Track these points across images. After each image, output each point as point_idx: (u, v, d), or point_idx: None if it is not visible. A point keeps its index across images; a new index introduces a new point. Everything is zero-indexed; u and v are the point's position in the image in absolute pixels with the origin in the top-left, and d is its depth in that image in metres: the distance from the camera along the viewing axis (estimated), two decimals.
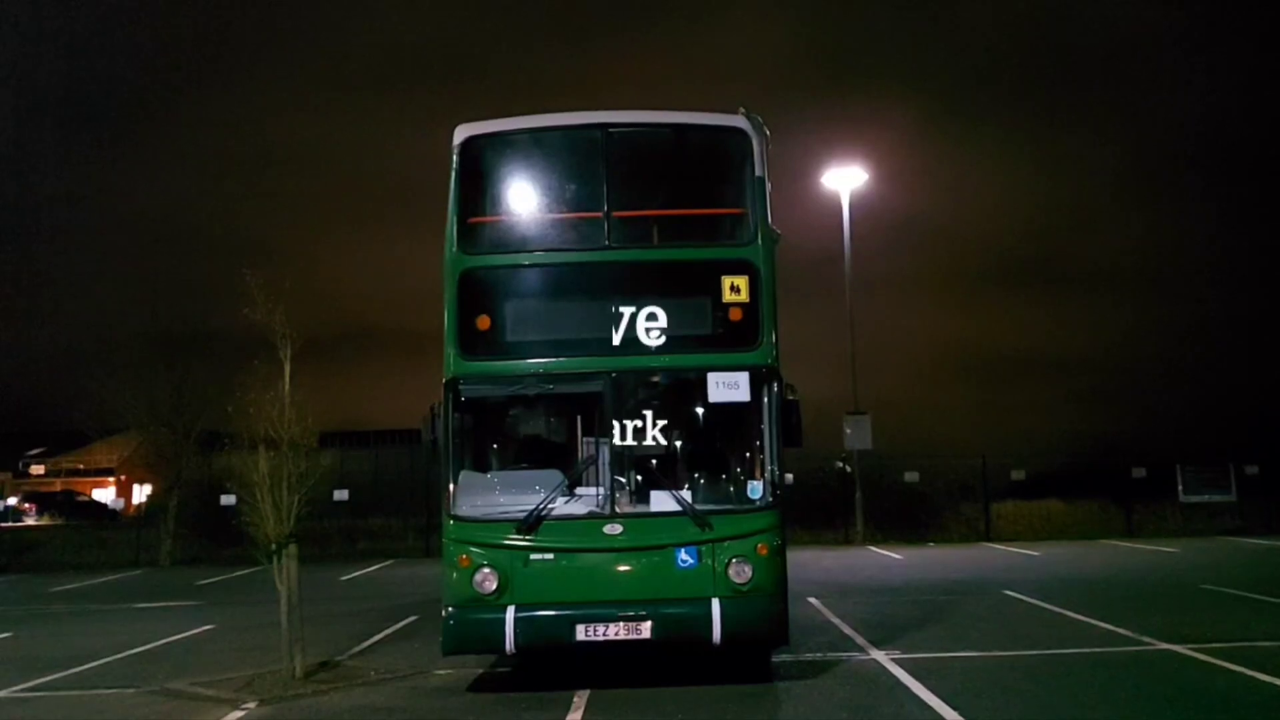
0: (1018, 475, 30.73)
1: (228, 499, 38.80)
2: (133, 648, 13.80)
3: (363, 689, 10.41)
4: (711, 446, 10.57)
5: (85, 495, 65.73)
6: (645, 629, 9.43)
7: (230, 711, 9.57)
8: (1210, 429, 43.84)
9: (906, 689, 9.53)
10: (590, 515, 9.69)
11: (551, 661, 10.73)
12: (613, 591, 9.56)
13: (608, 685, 9.91)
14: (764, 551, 9.59)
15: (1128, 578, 19.02)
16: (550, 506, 9.65)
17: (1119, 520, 29.59)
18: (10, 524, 63.65)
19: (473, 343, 9.93)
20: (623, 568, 9.60)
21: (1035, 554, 24.39)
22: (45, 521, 64.77)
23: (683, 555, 9.56)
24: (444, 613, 9.71)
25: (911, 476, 29.78)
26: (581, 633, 9.44)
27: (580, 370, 9.89)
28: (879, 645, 11.74)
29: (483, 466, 10.44)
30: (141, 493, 49.32)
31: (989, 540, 28.46)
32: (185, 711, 9.69)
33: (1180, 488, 30.41)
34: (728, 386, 9.76)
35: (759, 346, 9.89)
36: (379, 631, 14.20)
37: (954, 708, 8.65)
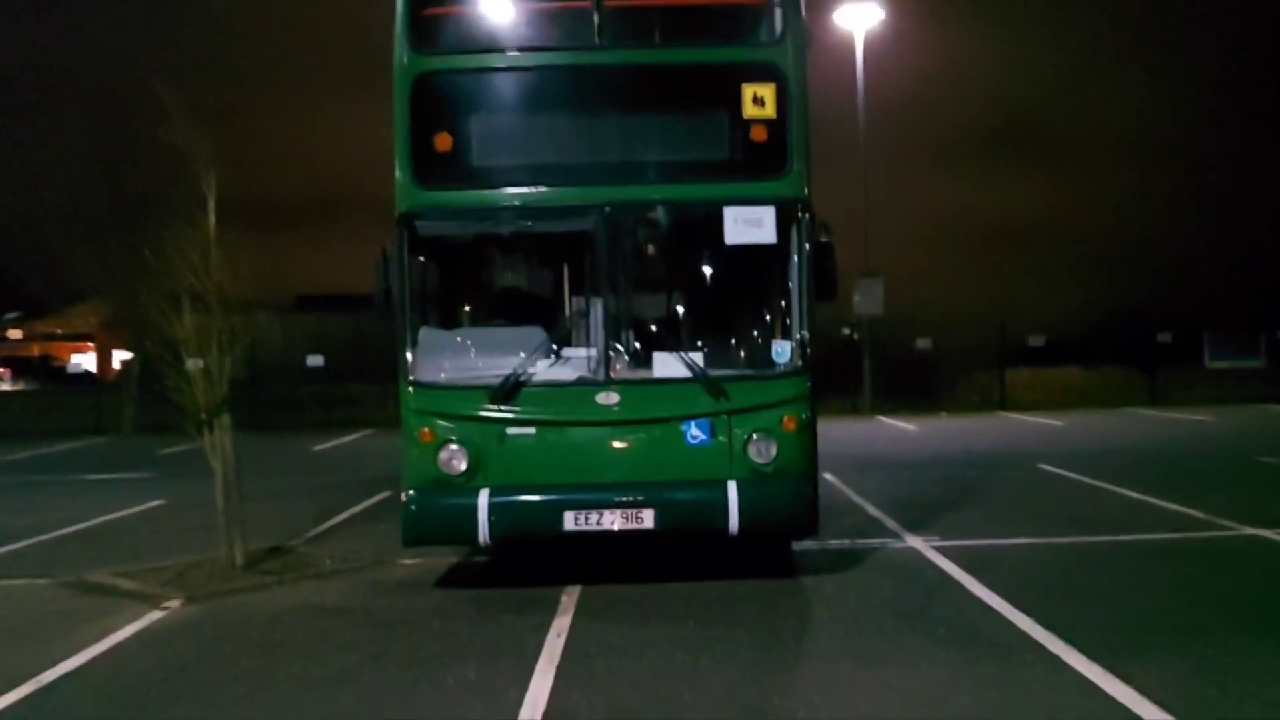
0: (1036, 341, 29.10)
1: (193, 363, 37.37)
2: (66, 527, 12.27)
3: (312, 582, 8.84)
4: (728, 299, 8.78)
5: (61, 361, 64.17)
6: (647, 518, 7.79)
7: (148, 611, 7.99)
8: (1237, 295, 42.11)
9: (958, 585, 7.95)
10: (580, 382, 7.95)
11: (537, 552, 9.13)
12: (608, 473, 7.89)
13: (603, 580, 8.33)
14: (791, 425, 7.88)
15: (1170, 449, 17.51)
16: (531, 371, 7.90)
17: (1142, 388, 28.06)
18: None
19: (430, 168, 8.02)
20: (620, 445, 7.91)
21: (1059, 424, 22.89)
22: (20, 387, 63.36)
23: (693, 430, 7.85)
24: (404, 497, 8.06)
25: (924, 343, 28.11)
26: (571, 521, 7.81)
27: (565, 204, 8.01)
28: (914, 530, 10.16)
29: (448, 323, 8.67)
30: (120, 359, 47.76)
31: (1004, 410, 26.96)
32: (97, 610, 8.11)
33: (1206, 353, 28.82)
34: (748, 224, 7.90)
35: (787, 174, 7.99)
36: (345, 510, 12.65)
37: (1024, 611, 7.06)
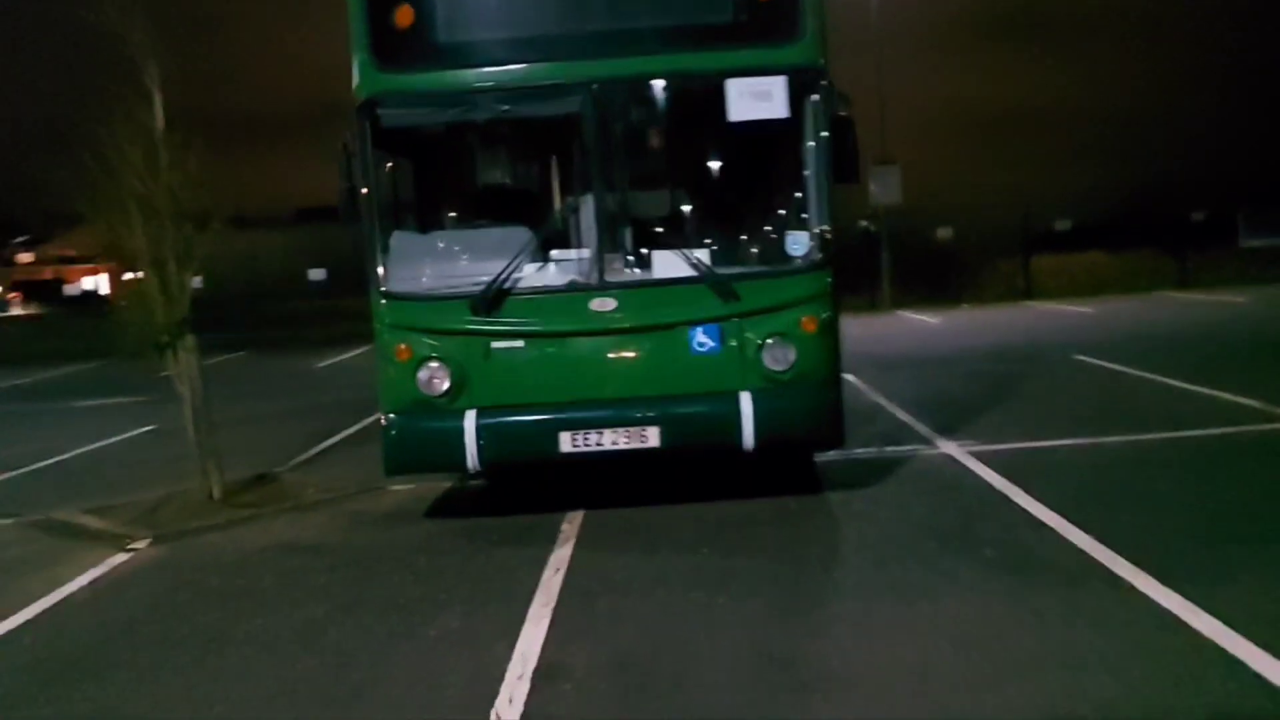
0: (1062, 225, 27.97)
1: (195, 282, 36.44)
2: (46, 458, 11.60)
3: (291, 515, 8.10)
4: (736, 186, 7.82)
5: (72, 282, 63.62)
6: (652, 435, 6.97)
7: (110, 555, 7.28)
8: (1274, 170, 40.51)
9: (1002, 498, 7.13)
10: (571, 287, 7.06)
11: (536, 475, 8.34)
12: (606, 388, 7.04)
13: (608, 505, 7.56)
14: (810, 327, 6.99)
15: (1210, 334, 16.52)
16: (516, 277, 7.00)
17: (1170, 271, 26.90)
18: None
19: (391, 45, 7.01)
20: (619, 356, 7.05)
21: (1088, 310, 21.89)
22: (32, 311, 62.83)
23: (699, 336, 6.97)
24: (382, 421, 7.25)
25: (944, 233, 27.03)
26: (568, 443, 6.99)
27: (546, 82, 7.00)
28: (946, 435, 9.32)
29: (421, 225, 7.77)
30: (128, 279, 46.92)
31: (1030, 299, 25.93)
32: (54, 555, 7.43)
33: (1240, 232, 27.61)
34: (757, 97, 6.89)
35: (801, 38, 6.96)
36: (341, 431, 11.89)
37: (1080, 526, 6.24)
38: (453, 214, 8.08)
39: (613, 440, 6.97)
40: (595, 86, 6.88)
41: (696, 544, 6.52)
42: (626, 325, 6.98)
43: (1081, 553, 5.83)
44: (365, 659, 5.08)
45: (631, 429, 6.96)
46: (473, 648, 5.09)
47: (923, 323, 22.28)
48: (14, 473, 10.93)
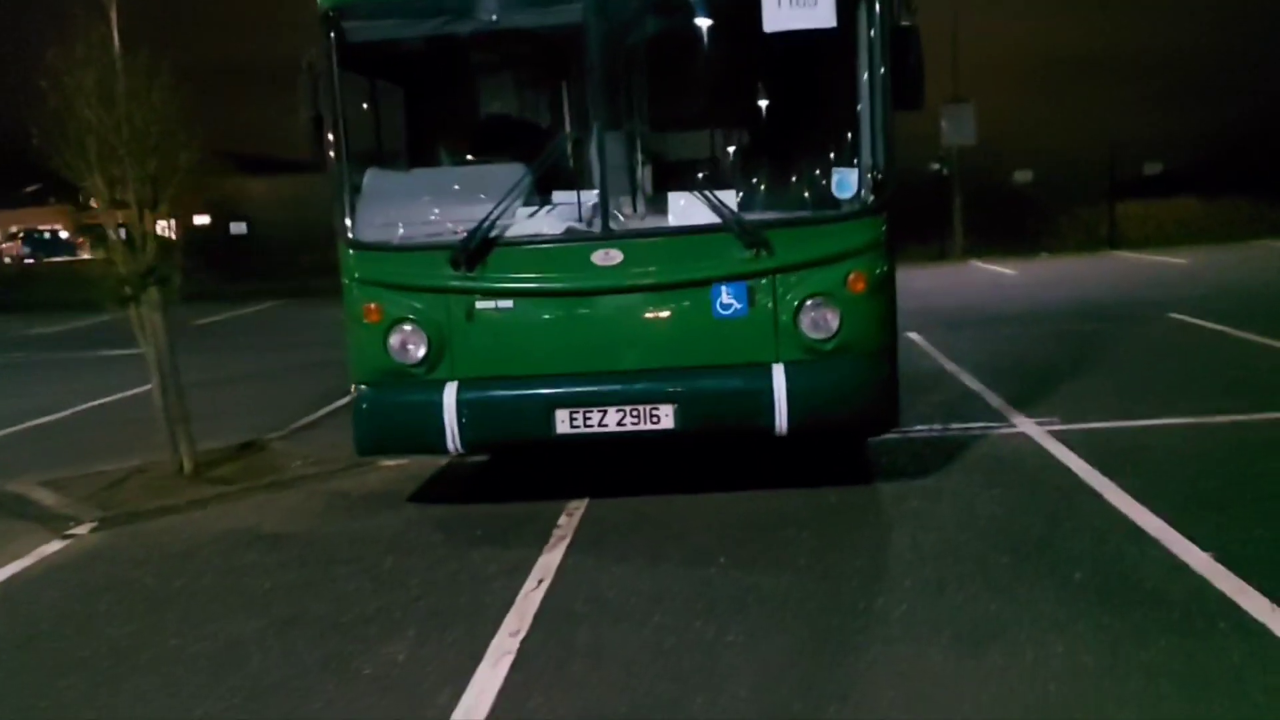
0: (1151, 169, 26.00)
1: (237, 227, 35.92)
2: (41, 415, 10.81)
3: (264, 495, 7.10)
4: (771, 113, 6.55)
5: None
6: (665, 415, 5.81)
7: (44, 542, 6.34)
8: None
9: (1093, 495, 5.87)
10: (570, 236, 5.89)
11: (540, 453, 7.23)
12: (611, 358, 5.88)
13: (615, 492, 6.45)
14: (859, 285, 5.74)
15: None
16: (504, 223, 5.84)
17: (1269, 218, 24.90)
18: (63, 258, 62.32)
19: None
20: (626, 320, 5.88)
21: (1181, 262, 20.15)
22: (100, 255, 63.14)
23: (724, 297, 5.77)
24: (352, 393, 6.18)
25: (1023, 176, 25.26)
26: (565, 423, 5.86)
27: None
28: (1022, 409, 8.02)
29: (397, 161, 6.60)
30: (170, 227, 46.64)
31: (1114, 248, 24.16)
32: None
33: None
34: (798, 4, 5.61)
35: None
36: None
37: (1194, 540, 4.98)
38: (435, 148, 6.89)
39: (618, 421, 5.83)
40: None
41: (712, 551, 5.36)
42: (635, 283, 5.79)
43: (1198, 579, 4.58)
44: (279, 701, 4.03)
45: (641, 407, 5.81)
46: (410, 695, 4.01)
47: (997, 274, 20.74)
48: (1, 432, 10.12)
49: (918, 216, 25.62)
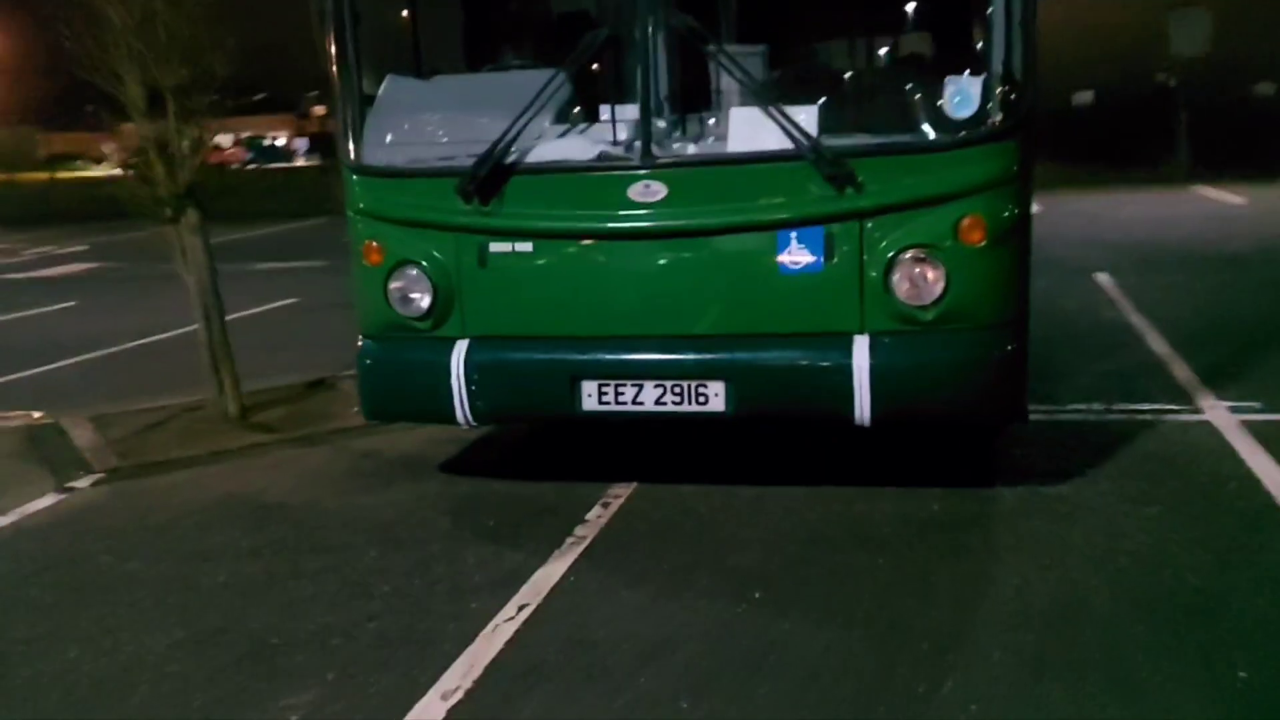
0: None
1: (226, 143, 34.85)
2: (154, 334, 10.47)
3: (292, 450, 6.32)
4: (865, 2, 5.09)
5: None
6: (715, 394, 4.60)
7: (40, 495, 5.73)
8: None
9: None
10: (603, 164, 4.68)
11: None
12: (651, 320, 4.68)
13: (672, 476, 5.32)
14: (975, 236, 4.33)
15: None
16: (523, 145, 4.68)
17: None
18: (281, 164, 64.79)
19: None
20: (669, 272, 4.65)
21: None
22: (314, 163, 65.22)
23: (794, 247, 4.46)
24: (358, 346, 5.22)
25: (1265, 88, 22.02)
26: (592, 396, 4.74)
27: None
28: (1216, 387, 6.37)
29: (409, 67, 5.48)
30: None
31: None
32: None
33: None
34: None
35: None
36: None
37: None
38: (452, 48, 5.73)
39: (657, 398, 4.66)
40: None
41: (751, 578, 4.16)
42: (682, 225, 4.55)
43: None
44: None
45: (685, 383, 4.62)
46: None
47: (1223, 203, 18.11)
48: (94, 354, 9.78)
49: (1136, 134, 22.92)
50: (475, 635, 3.79)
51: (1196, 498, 4.74)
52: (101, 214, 20.19)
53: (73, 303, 13.65)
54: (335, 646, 3.80)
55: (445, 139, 4.98)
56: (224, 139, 49.44)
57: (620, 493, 5.16)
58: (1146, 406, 6.08)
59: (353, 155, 5.01)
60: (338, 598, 4.23)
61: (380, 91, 5.13)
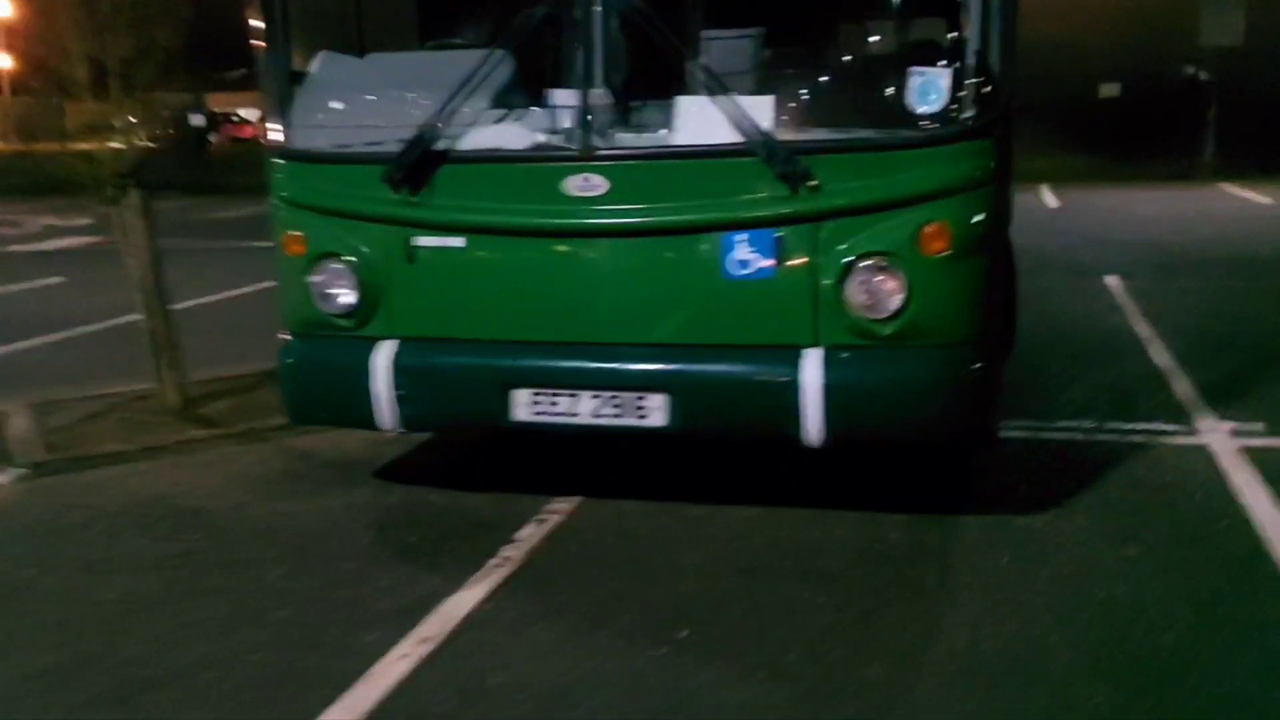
0: None
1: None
2: (123, 315, 10.09)
3: (228, 447, 5.96)
4: None
5: None
6: (655, 408, 4.22)
7: None
8: None
9: None
10: (539, 153, 4.29)
11: None
12: (587, 325, 4.30)
13: (621, 489, 4.95)
14: (938, 244, 3.92)
15: None
16: (455, 131, 4.30)
17: None
18: None
19: None
20: (609, 273, 4.27)
21: None
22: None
23: (742, 249, 4.06)
24: (281, 344, 4.86)
25: None
26: (525, 405, 4.36)
27: None
28: (1218, 406, 5.93)
29: (352, 42, 5.10)
30: None
31: None
32: None
33: None
34: None
35: None
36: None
37: None
38: (409, 27, 5.32)
39: (594, 410, 4.28)
40: None
41: (678, 615, 3.78)
42: (622, 223, 4.16)
43: None
44: None
45: (623, 395, 4.24)
46: None
47: (1249, 203, 17.52)
48: (67, 333, 9.44)
49: (1163, 128, 22.26)
50: (361, 676, 3.42)
51: (1182, 538, 4.32)
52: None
53: (61, 278, 13.36)
54: (204, 685, 3.44)
55: (376, 122, 4.60)
56: (249, 113, 49.10)
57: (561, 508, 4.79)
58: (1140, 426, 5.65)
59: (277, 137, 4.64)
60: (228, 623, 3.87)
61: (312, 69, 4.76)
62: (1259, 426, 5.55)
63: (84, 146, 6.83)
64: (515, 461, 5.52)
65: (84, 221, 21.32)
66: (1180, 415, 5.82)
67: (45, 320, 9.88)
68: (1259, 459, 5.07)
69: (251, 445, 5.98)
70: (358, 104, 4.69)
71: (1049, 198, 18.11)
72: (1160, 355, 7.12)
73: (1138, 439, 5.46)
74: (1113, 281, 9.90)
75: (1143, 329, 7.93)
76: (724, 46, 4.32)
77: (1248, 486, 4.74)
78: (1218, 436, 5.44)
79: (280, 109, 4.63)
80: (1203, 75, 22.19)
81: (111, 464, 5.75)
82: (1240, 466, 5.00)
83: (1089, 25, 23.78)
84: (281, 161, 4.64)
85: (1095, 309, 8.73)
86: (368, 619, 3.85)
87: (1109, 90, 23.31)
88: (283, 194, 4.64)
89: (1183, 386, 6.36)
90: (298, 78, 4.73)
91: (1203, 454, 5.22)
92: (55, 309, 10.66)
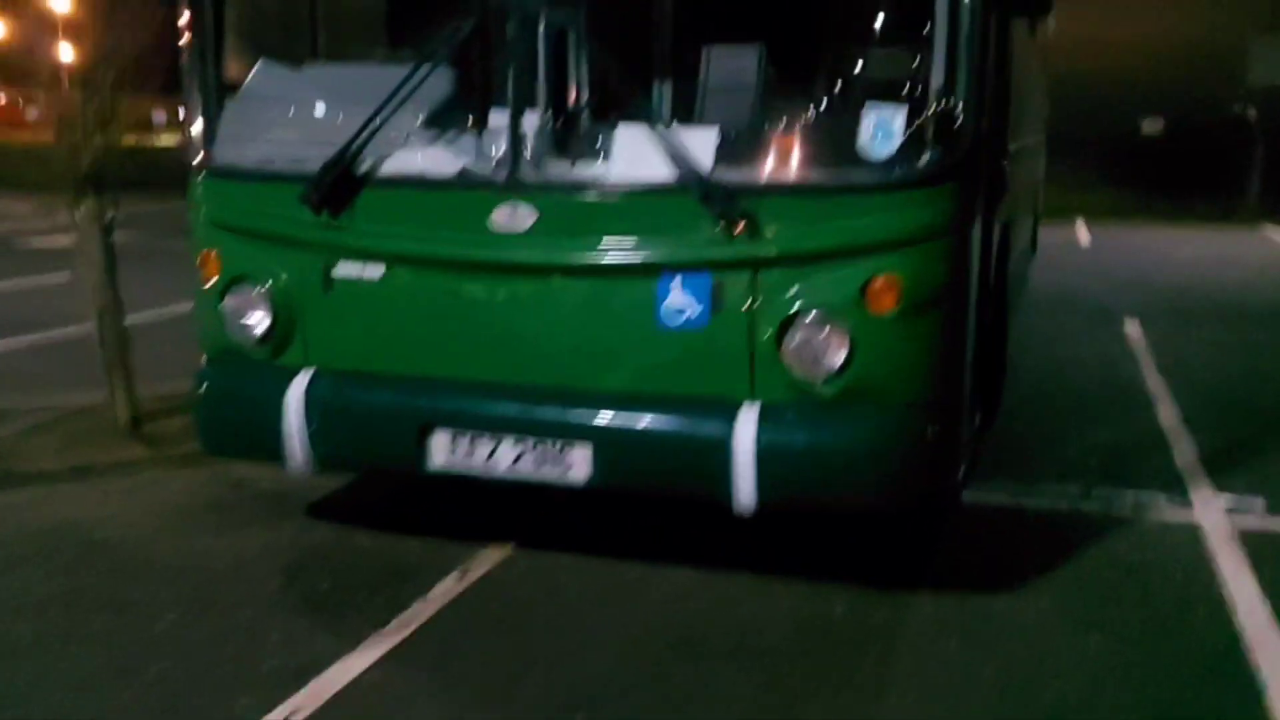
0: None
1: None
2: (130, 314, 9.84)
3: (164, 471, 5.67)
4: (776, 10, 4.32)
5: None
6: (579, 460, 3.89)
7: None
8: None
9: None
10: (465, 181, 3.97)
11: None
12: (511, 367, 3.97)
13: (560, 538, 4.62)
14: (886, 300, 3.55)
15: None
16: (380, 151, 4.00)
17: None
18: None
19: None
20: (534, 312, 3.93)
21: None
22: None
23: (676, 294, 3.71)
24: (198, 369, 4.57)
25: None
26: (442, 449, 4.05)
27: None
28: (1217, 476, 5.48)
29: (278, 49, 4.80)
30: None
31: None
32: None
33: None
34: None
35: None
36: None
37: None
38: (329, 38, 5.03)
39: (514, 459, 3.95)
40: None
41: (581, 695, 3.43)
42: (550, 259, 3.83)
43: None
44: None
45: (546, 444, 3.91)
46: None
47: None
48: (53, 333, 9.19)
49: (1207, 167, 21.62)
50: None
51: (1152, 628, 3.91)
52: (158, 181, 19.83)
53: (66, 274, 13.21)
54: None
55: (301, 138, 4.30)
56: None
57: (491, 557, 4.47)
58: (1130, 496, 5.21)
59: (199, 151, 4.36)
60: (94, 678, 3.57)
61: (248, 79, 4.48)
62: (1259, 503, 5.11)
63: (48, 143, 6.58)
64: (458, 501, 5.18)
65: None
66: (1176, 485, 5.38)
67: (30, 320, 9.69)
68: (1252, 541, 4.64)
69: (187, 470, 5.67)
70: (286, 118, 4.40)
71: (1082, 233, 17.57)
72: (1167, 413, 6.68)
73: (1124, 512, 5.03)
74: (1132, 328, 9.43)
75: (1154, 382, 7.47)
76: (667, 73, 3.98)
77: (1234, 573, 4.32)
78: (1212, 512, 5.01)
79: (204, 120, 4.35)
80: (1250, 114, 21.53)
81: (35, 485, 5.49)
82: (1230, 548, 4.57)
83: (1133, 60, 23.22)
84: (199, 177, 4.36)
85: (1108, 357, 8.27)
86: (246, 681, 3.53)
87: (1152, 126, 22.71)
88: (199, 211, 4.35)
89: (1185, 451, 5.91)
90: (228, 87, 4.45)
91: (1192, 532, 4.79)
92: (48, 308, 10.45)
